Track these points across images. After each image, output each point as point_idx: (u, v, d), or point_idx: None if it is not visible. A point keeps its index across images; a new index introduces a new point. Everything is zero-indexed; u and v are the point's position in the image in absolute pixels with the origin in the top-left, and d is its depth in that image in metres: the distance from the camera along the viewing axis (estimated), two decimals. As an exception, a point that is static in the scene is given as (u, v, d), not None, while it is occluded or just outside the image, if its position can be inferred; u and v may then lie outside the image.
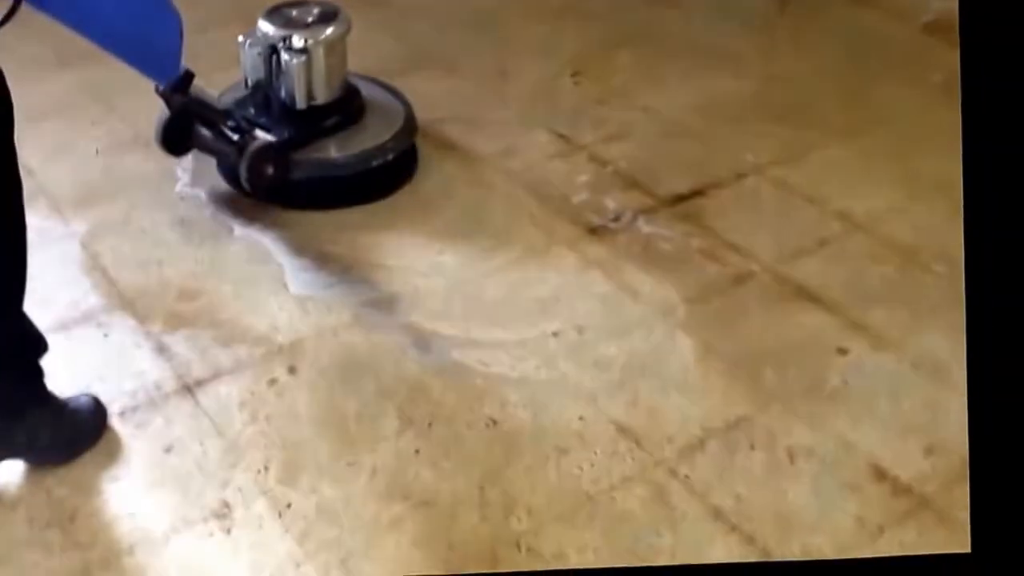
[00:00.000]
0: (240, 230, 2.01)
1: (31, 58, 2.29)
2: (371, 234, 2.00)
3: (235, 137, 2.01)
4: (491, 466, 1.53)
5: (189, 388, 1.65)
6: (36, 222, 1.94)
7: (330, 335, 1.76)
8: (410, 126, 2.18)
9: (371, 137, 2.13)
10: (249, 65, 2.10)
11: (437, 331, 1.76)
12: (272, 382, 1.67)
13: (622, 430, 1.59)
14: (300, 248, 1.96)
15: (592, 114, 2.37)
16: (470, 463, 1.54)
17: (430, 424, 1.59)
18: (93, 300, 1.83)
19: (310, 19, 2.08)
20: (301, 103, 2.06)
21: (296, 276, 1.89)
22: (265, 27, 2.06)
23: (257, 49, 2.07)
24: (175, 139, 2.06)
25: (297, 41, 2.03)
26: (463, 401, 1.63)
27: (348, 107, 2.15)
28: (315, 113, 2.09)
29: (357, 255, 1.94)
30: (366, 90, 2.22)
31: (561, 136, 2.28)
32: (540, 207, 2.06)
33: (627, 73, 2.53)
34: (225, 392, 1.65)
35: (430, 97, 2.39)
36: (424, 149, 2.22)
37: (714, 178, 2.17)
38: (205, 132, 2.05)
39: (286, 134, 2.04)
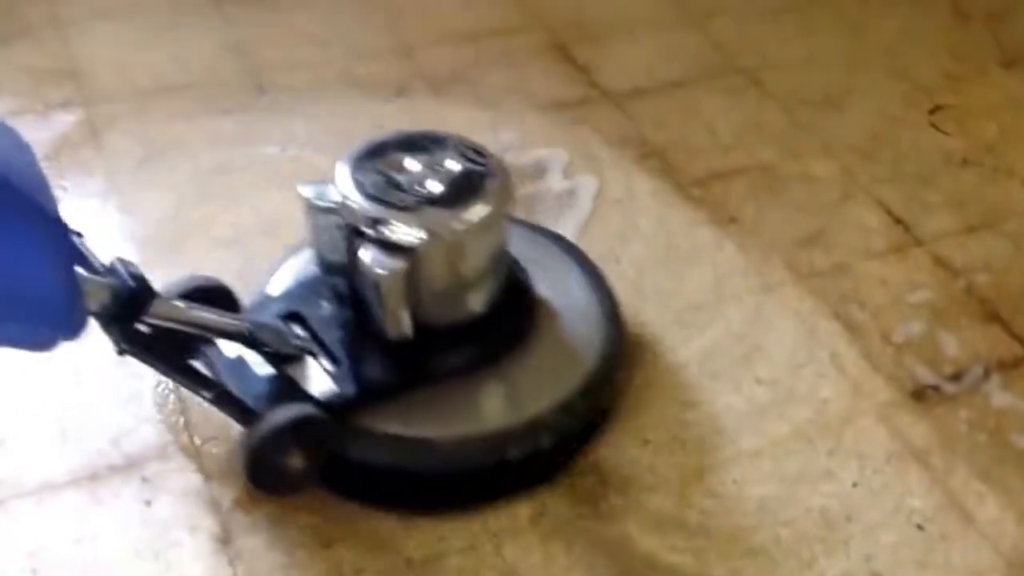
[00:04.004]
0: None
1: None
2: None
3: (261, 377, 1.25)
4: None
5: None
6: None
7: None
8: (612, 359, 1.37)
9: (536, 388, 1.31)
10: (318, 237, 1.29)
11: (655, 556, 1.29)
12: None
13: None
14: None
15: (949, 183, 1.78)
16: None
17: None
18: (149, 432, 1.37)
19: (435, 181, 1.23)
20: (393, 332, 1.25)
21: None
22: (349, 187, 1.22)
23: (334, 219, 1.24)
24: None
25: (400, 230, 1.20)
26: None
27: (496, 328, 1.33)
28: (428, 343, 1.28)
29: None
30: (544, 275, 1.41)
31: (896, 219, 1.74)
32: (846, 340, 1.54)
33: (1013, 115, 1.92)
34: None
35: (714, 124, 1.88)
36: (682, 217, 1.72)
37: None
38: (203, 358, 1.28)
39: (364, 375, 1.26)
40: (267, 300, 1.36)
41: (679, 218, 1.72)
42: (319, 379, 1.26)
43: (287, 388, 1.25)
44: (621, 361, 1.41)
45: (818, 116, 1.92)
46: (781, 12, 2.16)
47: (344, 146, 1.30)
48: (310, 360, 1.28)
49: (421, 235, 1.19)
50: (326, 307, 1.32)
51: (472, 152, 1.26)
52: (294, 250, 1.45)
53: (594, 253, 1.51)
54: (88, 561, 1.25)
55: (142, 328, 1.16)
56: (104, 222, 1.68)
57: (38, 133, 1.79)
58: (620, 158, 1.82)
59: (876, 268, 1.64)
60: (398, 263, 1.19)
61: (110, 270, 1.12)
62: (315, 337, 1.28)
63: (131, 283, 1.12)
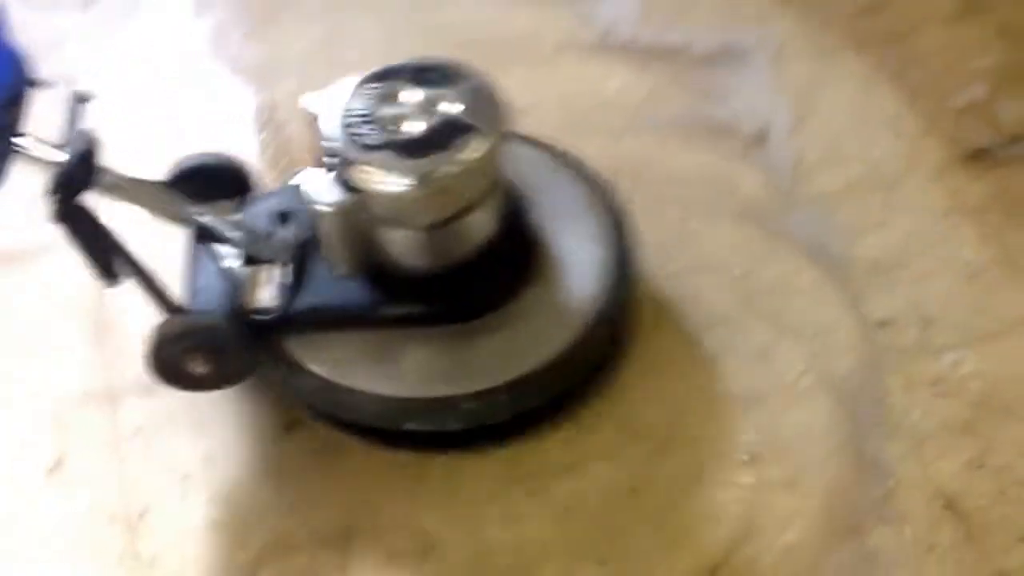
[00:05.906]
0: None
1: None
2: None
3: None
4: None
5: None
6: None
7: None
8: (618, 294, 1.19)
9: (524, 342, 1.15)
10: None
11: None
12: None
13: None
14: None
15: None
16: None
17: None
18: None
19: (416, 123, 1.06)
20: (336, 270, 1.15)
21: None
22: (330, 107, 1.10)
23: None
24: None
25: (348, 169, 1.07)
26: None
27: (478, 275, 1.16)
28: (388, 287, 1.16)
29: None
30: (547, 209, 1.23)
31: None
32: (902, 103, 1.54)
33: None
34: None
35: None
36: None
37: None
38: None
39: (307, 300, 1.16)
40: (283, 189, 1.26)
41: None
42: (273, 288, 1.18)
43: (230, 289, 1.17)
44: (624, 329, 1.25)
45: None
46: None
47: None
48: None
49: (361, 182, 1.06)
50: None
51: (479, 101, 1.08)
52: None
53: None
54: None
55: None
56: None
57: None
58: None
59: (939, 32, 1.62)
60: (340, 199, 1.07)
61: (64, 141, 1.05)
62: (298, 245, 1.19)
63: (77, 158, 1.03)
